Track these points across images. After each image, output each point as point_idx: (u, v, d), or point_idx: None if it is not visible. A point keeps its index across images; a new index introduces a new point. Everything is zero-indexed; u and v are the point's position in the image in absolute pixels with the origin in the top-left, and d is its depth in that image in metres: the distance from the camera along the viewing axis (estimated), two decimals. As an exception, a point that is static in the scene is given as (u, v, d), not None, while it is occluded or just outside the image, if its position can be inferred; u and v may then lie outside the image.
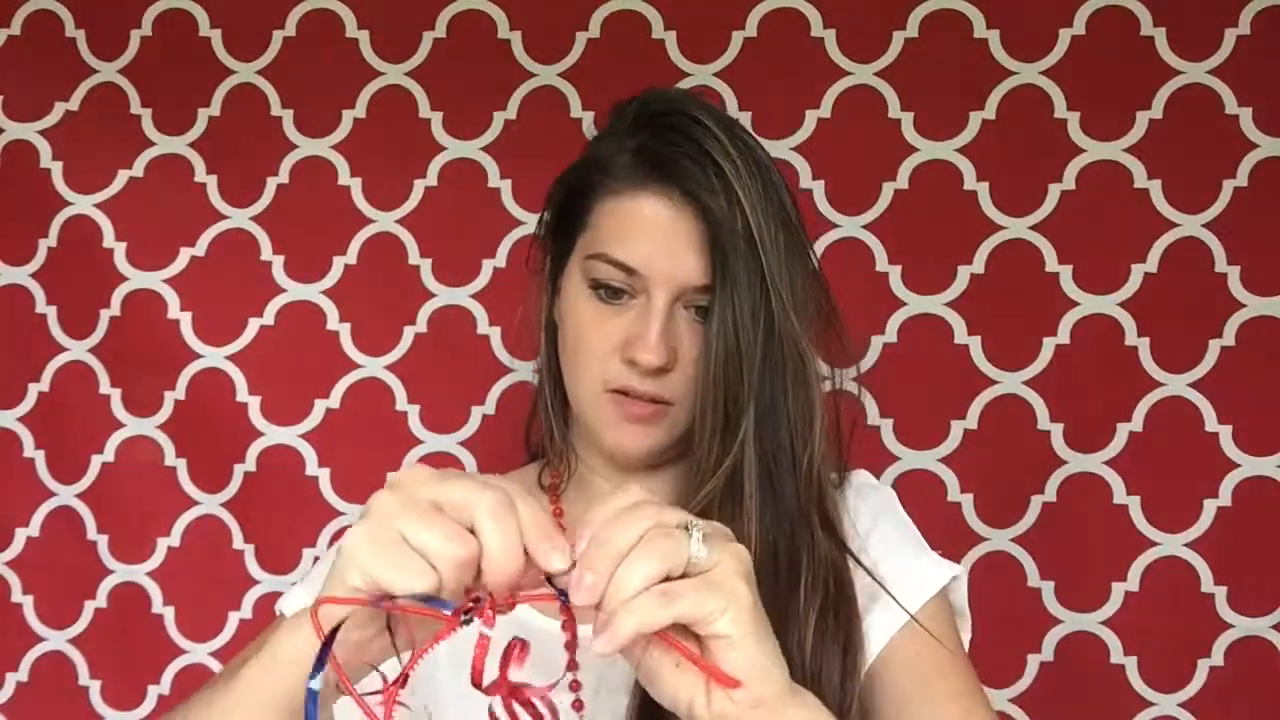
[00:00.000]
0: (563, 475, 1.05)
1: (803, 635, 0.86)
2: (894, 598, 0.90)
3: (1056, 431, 1.40)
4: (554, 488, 1.05)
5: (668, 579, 0.61)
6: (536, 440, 1.13)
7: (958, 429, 1.42)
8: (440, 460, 1.48)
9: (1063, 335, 1.40)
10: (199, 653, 1.51)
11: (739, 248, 0.87)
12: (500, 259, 1.49)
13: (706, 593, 0.61)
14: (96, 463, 1.54)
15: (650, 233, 0.90)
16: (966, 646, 0.99)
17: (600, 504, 0.64)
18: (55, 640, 1.54)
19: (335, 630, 0.60)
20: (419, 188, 1.51)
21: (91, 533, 1.54)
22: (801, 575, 0.87)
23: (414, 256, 1.51)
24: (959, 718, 0.87)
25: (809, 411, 0.91)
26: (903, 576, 0.93)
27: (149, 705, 1.51)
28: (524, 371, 1.47)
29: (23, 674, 1.54)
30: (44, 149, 1.55)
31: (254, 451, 1.51)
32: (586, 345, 0.93)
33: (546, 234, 1.02)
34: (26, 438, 1.55)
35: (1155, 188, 1.39)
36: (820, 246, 1.43)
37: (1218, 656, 1.36)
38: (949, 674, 0.89)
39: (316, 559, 1.46)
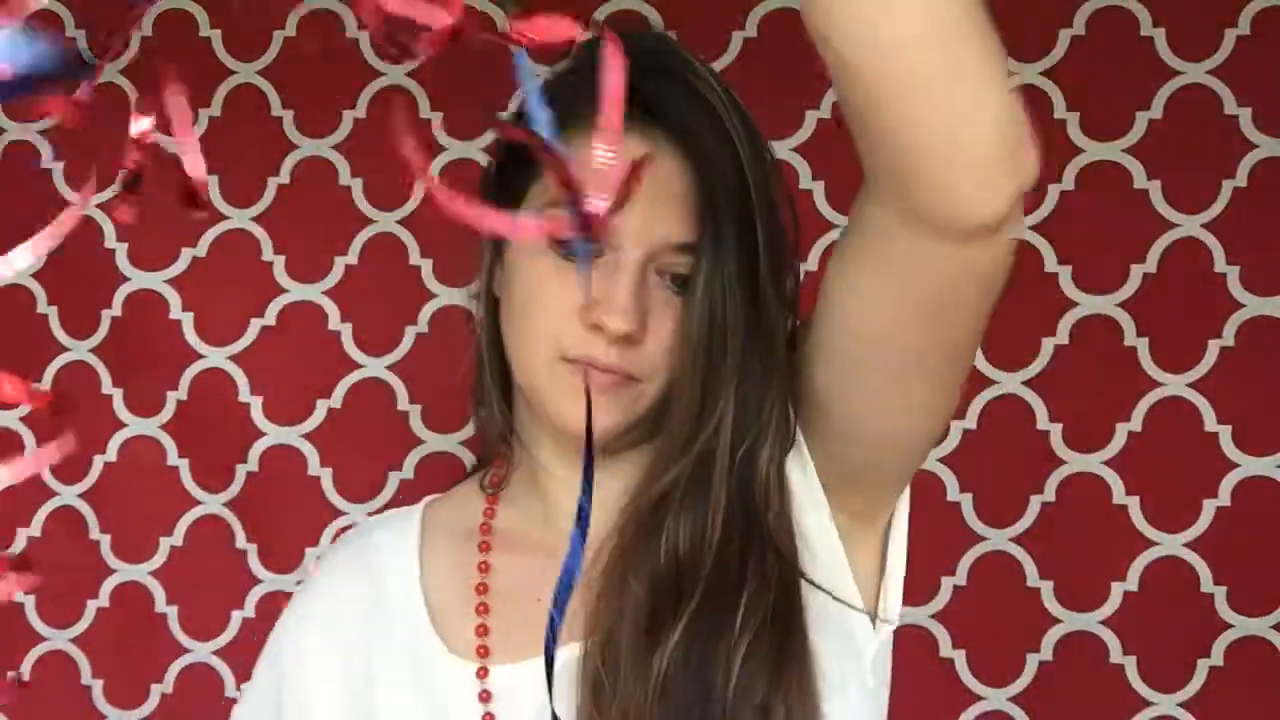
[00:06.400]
0: (505, 471, 0.88)
1: (732, 649, 0.74)
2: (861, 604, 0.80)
3: (1056, 431, 1.40)
4: (495, 486, 0.88)
5: None
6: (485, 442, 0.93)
7: (957, 429, 1.42)
8: (443, 462, 1.48)
9: (1062, 335, 1.40)
10: (202, 652, 1.51)
11: (732, 200, 0.76)
12: (501, 259, 1.49)
13: None
14: (99, 463, 1.54)
15: None
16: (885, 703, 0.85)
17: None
18: (57, 640, 1.54)
19: None
20: (419, 187, 1.51)
21: (94, 532, 1.54)
22: (746, 586, 0.76)
23: (415, 256, 1.51)
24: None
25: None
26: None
27: (152, 704, 1.52)
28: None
29: (24, 674, 1.54)
30: (44, 149, 1.55)
31: (256, 451, 1.51)
32: (541, 305, 0.78)
33: (489, 187, 0.83)
34: (28, 438, 1.56)
35: (1155, 188, 1.39)
36: (820, 246, 1.43)
37: (1217, 656, 1.36)
38: None
39: (319, 558, 1.46)
